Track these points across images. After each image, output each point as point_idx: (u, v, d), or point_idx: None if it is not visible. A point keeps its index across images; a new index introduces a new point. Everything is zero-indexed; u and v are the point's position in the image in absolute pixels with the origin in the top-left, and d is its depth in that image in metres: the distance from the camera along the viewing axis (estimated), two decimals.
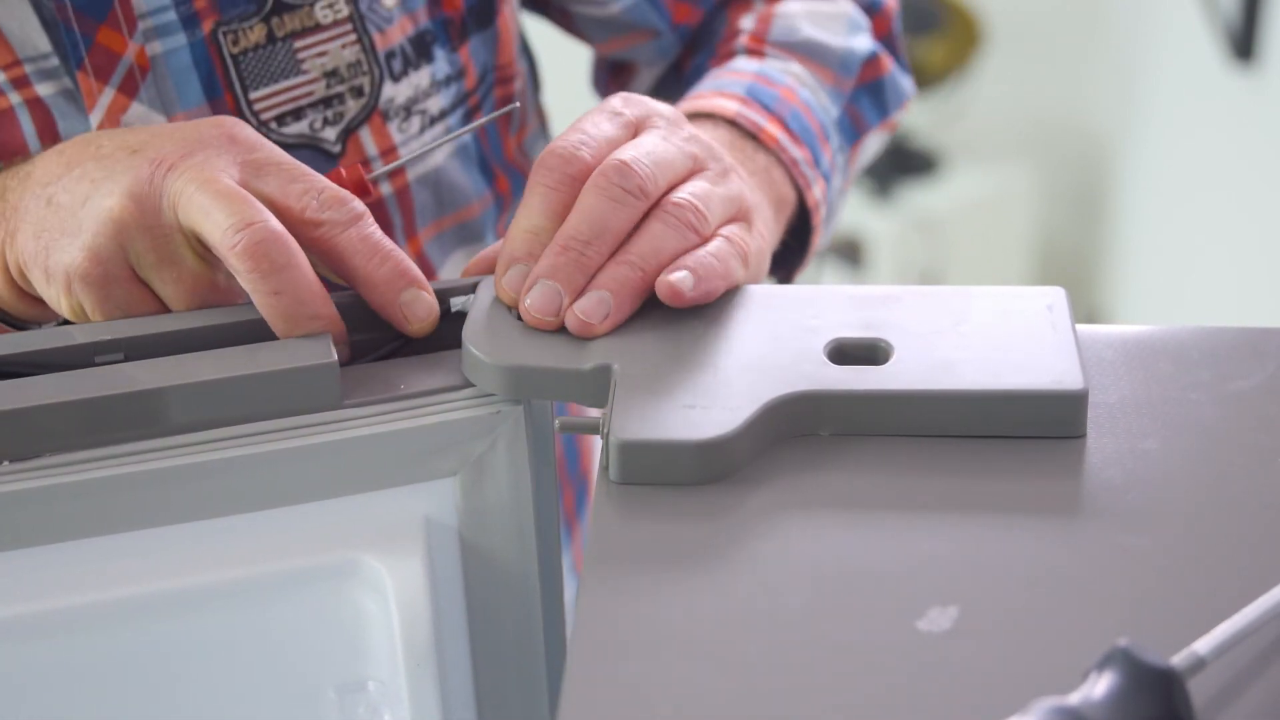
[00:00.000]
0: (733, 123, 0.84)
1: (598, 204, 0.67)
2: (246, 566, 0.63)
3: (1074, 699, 0.49)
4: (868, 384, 0.63)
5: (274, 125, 0.81)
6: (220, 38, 0.79)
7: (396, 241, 0.85)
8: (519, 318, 0.67)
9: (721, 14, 0.97)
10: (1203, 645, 0.51)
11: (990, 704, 0.51)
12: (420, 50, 0.85)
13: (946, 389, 0.63)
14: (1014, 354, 0.65)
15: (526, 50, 0.98)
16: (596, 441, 1.00)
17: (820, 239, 0.89)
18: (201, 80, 0.79)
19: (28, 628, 0.62)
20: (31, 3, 0.75)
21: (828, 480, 0.61)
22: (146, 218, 0.65)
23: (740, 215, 0.72)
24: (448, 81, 0.86)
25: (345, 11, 0.81)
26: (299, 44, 0.81)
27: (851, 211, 2.97)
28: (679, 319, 0.68)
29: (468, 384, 0.65)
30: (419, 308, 0.67)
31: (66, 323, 0.69)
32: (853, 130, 0.93)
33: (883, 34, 0.98)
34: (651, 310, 0.68)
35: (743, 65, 0.90)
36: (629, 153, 0.68)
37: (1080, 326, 0.68)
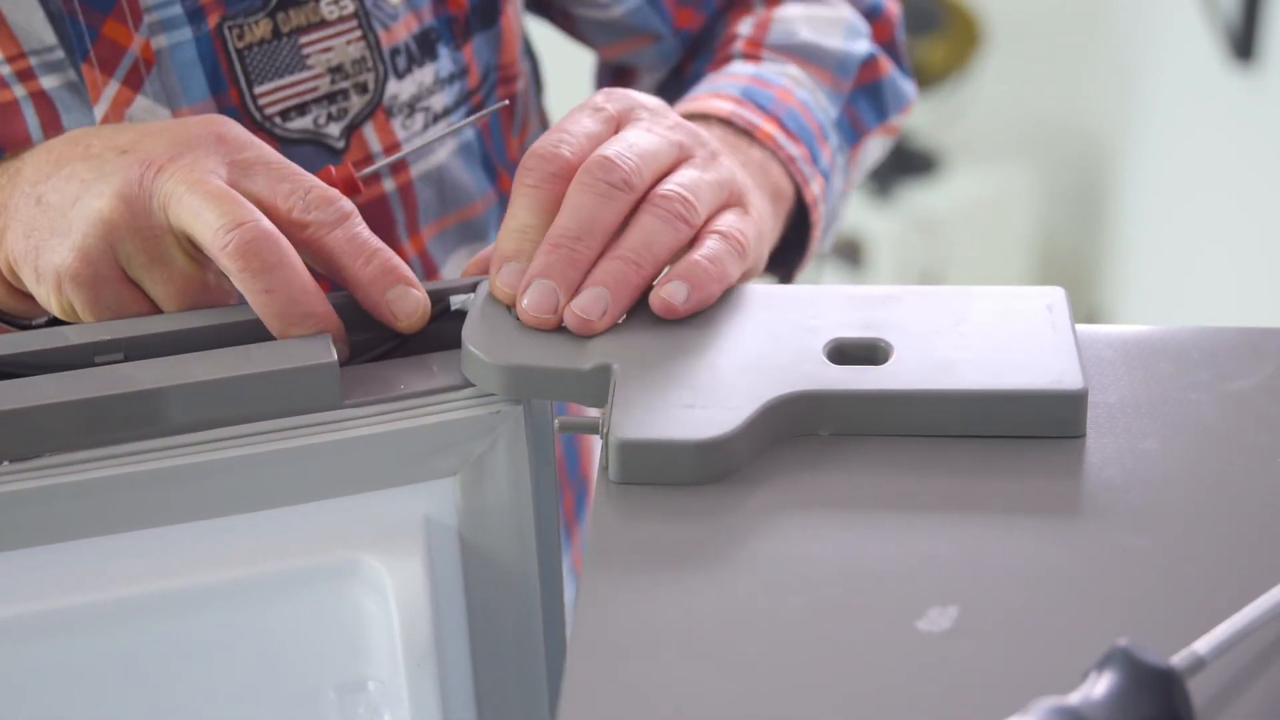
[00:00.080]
0: (727, 122, 0.84)
1: (584, 200, 0.67)
2: (246, 566, 0.63)
3: (1074, 699, 0.49)
4: (867, 384, 0.63)
5: (278, 120, 0.81)
6: (225, 32, 0.79)
7: (399, 239, 0.86)
8: (518, 317, 0.67)
9: (723, 19, 0.97)
10: (1202, 645, 0.51)
11: (990, 704, 0.51)
12: (424, 48, 0.85)
13: (946, 389, 0.63)
14: (1014, 354, 0.65)
15: (530, 52, 0.98)
16: (597, 443, 1.00)
17: (820, 237, 0.89)
18: (206, 74, 0.79)
19: (28, 628, 0.62)
20: None
21: (827, 480, 0.61)
22: (136, 219, 0.65)
23: (732, 199, 0.72)
24: (451, 79, 0.86)
25: (351, 8, 0.81)
26: (304, 39, 0.81)
27: (851, 211, 2.97)
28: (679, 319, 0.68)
29: (468, 384, 0.65)
30: (406, 304, 0.67)
31: (57, 321, 0.69)
32: (851, 131, 0.93)
33: (884, 39, 0.98)
34: (651, 310, 0.68)
35: (738, 69, 0.90)
36: (612, 147, 0.68)
37: (1080, 326, 0.68)
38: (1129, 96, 3.05)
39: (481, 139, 0.90)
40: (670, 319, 0.67)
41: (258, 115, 0.80)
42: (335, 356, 0.63)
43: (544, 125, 1.01)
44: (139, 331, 0.65)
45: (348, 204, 0.67)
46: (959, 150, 3.21)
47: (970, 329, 0.67)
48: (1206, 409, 0.65)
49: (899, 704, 0.52)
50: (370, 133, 0.84)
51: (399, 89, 0.84)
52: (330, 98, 0.82)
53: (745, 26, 0.94)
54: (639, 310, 0.68)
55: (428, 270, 0.88)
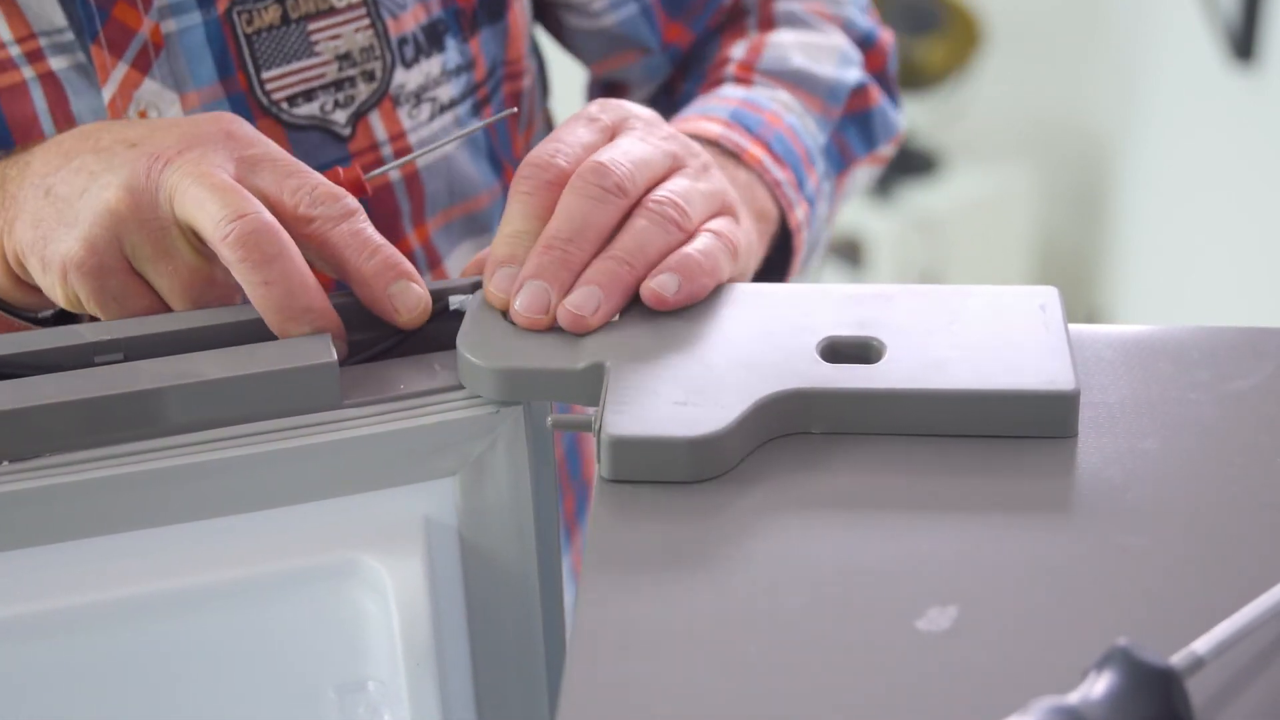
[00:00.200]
0: (715, 144, 0.85)
1: (577, 204, 0.67)
2: (246, 566, 0.63)
3: (1073, 698, 0.49)
4: (860, 382, 0.64)
5: (285, 106, 0.82)
6: (235, 17, 0.79)
7: (404, 228, 0.86)
8: (511, 320, 0.67)
9: (714, 40, 0.97)
10: (1202, 645, 0.51)
11: (990, 703, 0.51)
12: (432, 39, 0.85)
13: (938, 388, 0.63)
14: (1006, 353, 0.65)
15: (537, 53, 0.99)
16: None
17: (801, 262, 0.89)
18: (215, 59, 0.79)
19: (28, 628, 0.62)
20: None
21: (821, 479, 0.62)
22: (143, 211, 0.65)
23: (724, 209, 0.73)
24: (458, 71, 0.87)
25: None
26: (313, 26, 0.81)
27: (851, 211, 2.97)
28: (672, 316, 0.68)
29: None
30: (408, 298, 0.67)
31: (63, 314, 0.69)
32: (839, 159, 0.94)
33: (876, 69, 0.98)
34: (644, 308, 0.68)
35: (729, 92, 0.91)
36: (606, 154, 0.69)
37: (1079, 326, 0.68)
38: (1129, 96, 3.05)
39: (487, 134, 0.91)
40: (661, 311, 0.68)
41: (265, 100, 0.81)
42: (335, 356, 0.63)
43: (549, 127, 1.02)
44: (139, 331, 0.65)
45: (353, 201, 0.68)
46: (959, 150, 3.21)
47: (963, 328, 0.67)
48: (1206, 409, 0.65)
49: (898, 704, 0.52)
50: (376, 121, 0.84)
51: (406, 78, 0.84)
52: (337, 85, 0.83)
53: (738, 50, 0.94)
54: (631, 309, 0.68)
55: (432, 262, 0.88)
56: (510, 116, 0.92)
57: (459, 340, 0.65)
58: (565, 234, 0.67)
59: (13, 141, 0.77)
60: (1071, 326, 0.67)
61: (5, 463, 0.61)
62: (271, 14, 0.80)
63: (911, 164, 3.12)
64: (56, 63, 0.77)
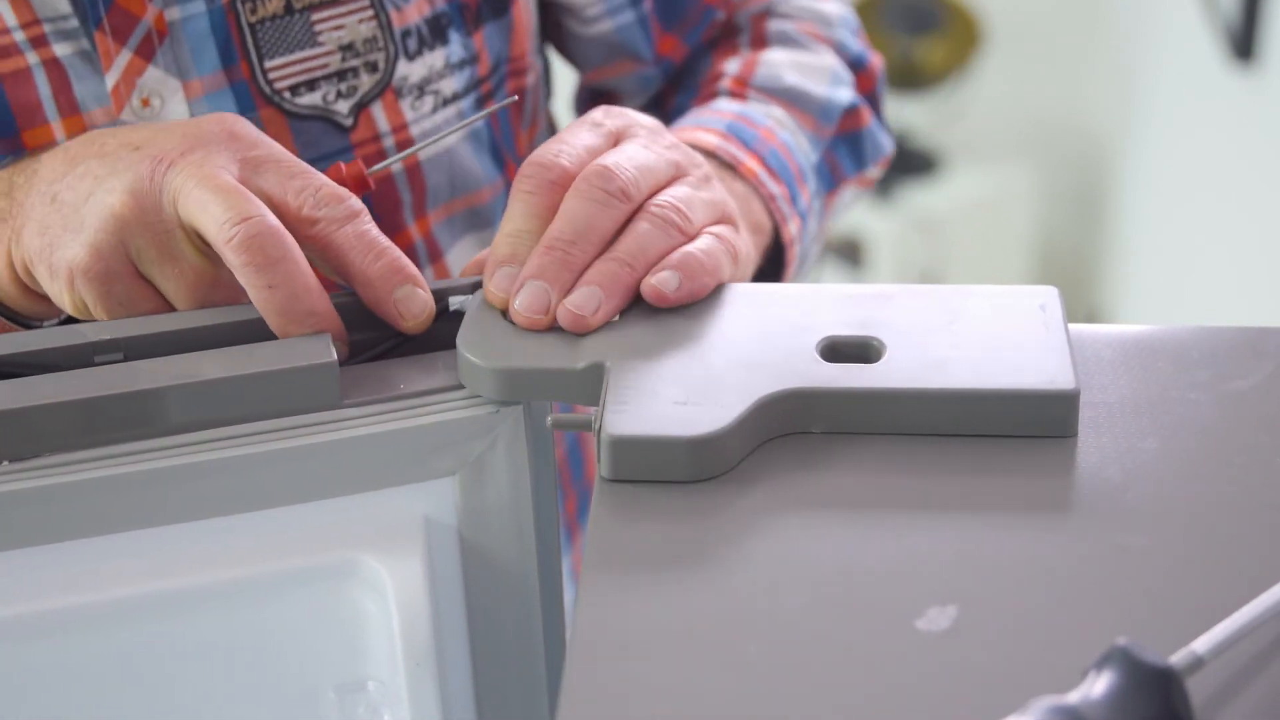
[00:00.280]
0: (712, 155, 0.85)
1: (581, 206, 0.67)
2: (246, 566, 0.63)
3: (1073, 698, 0.49)
4: (859, 382, 0.64)
5: (288, 95, 0.82)
6: (238, 6, 0.80)
7: (405, 220, 0.86)
8: (511, 320, 0.67)
9: (706, 56, 0.97)
10: (1201, 644, 0.51)
11: (989, 703, 0.51)
12: (436, 32, 0.86)
13: (938, 388, 0.63)
14: (1006, 353, 0.65)
15: (542, 54, 0.99)
16: None
17: (791, 277, 0.90)
18: (218, 47, 0.80)
19: (28, 627, 0.62)
20: None
21: (821, 479, 0.62)
22: (147, 214, 0.65)
23: (725, 218, 0.73)
24: (462, 65, 0.87)
25: None
26: (316, 16, 0.82)
27: (852, 211, 2.97)
28: (672, 316, 0.68)
29: None
30: (413, 304, 0.67)
31: (69, 320, 0.69)
32: (830, 178, 0.94)
33: (866, 91, 0.98)
34: (644, 308, 0.68)
35: (725, 106, 0.91)
36: (611, 158, 0.69)
37: (1079, 326, 0.68)
38: (1129, 96, 3.05)
39: (490, 128, 0.91)
40: (661, 309, 0.68)
41: (267, 89, 0.81)
42: (335, 356, 0.63)
43: (552, 129, 1.02)
44: (139, 331, 0.65)
45: (357, 202, 0.68)
46: (959, 150, 3.21)
47: (963, 328, 0.67)
48: (1206, 409, 0.65)
49: (898, 703, 0.52)
50: (379, 112, 0.84)
51: (409, 70, 0.85)
52: (340, 75, 0.83)
53: (732, 65, 0.94)
54: (632, 308, 0.68)
55: (433, 255, 0.89)
56: (514, 113, 0.93)
57: (459, 340, 0.65)
58: (568, 236, 0.67)
59: (16, 127, 0.77)
60: (1071, 326, 0.67)
61: (5, 462, 0.61)
62: (275, 3, 0.81)
63: (911, 164, 3.12)
64: (60, 49, 0.77)
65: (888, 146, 0.99)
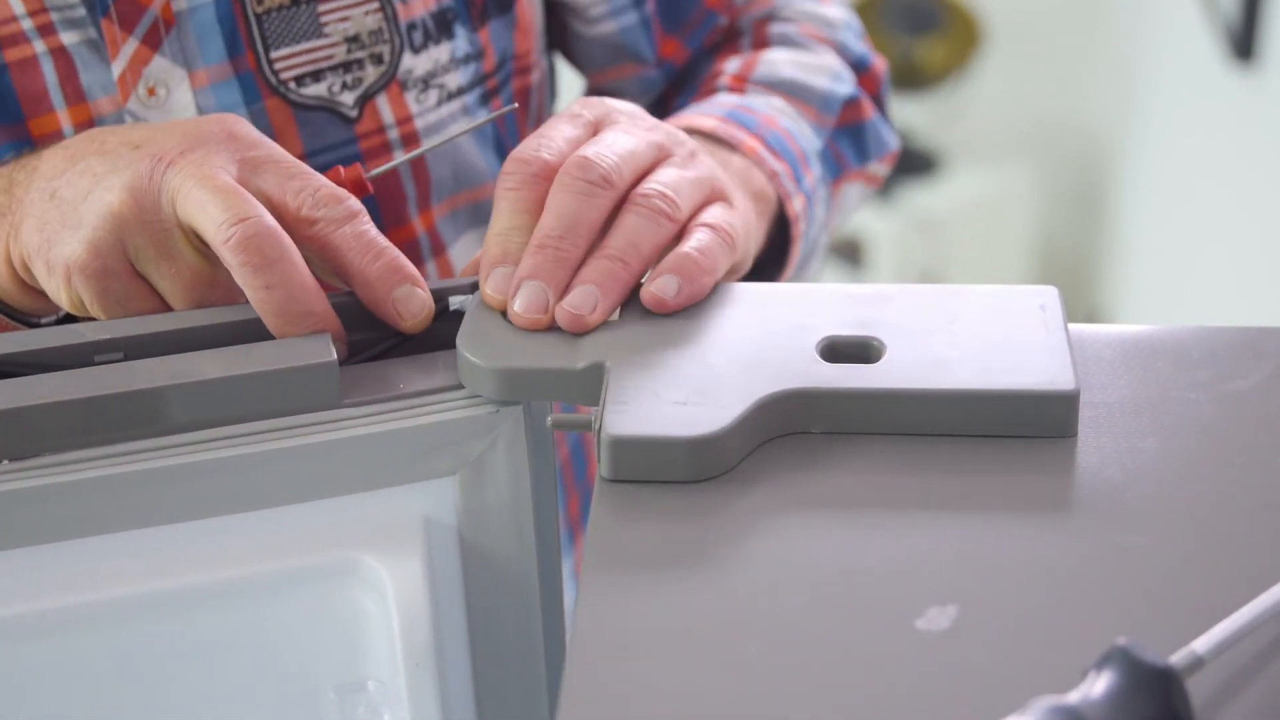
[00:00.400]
0: (711, 135, 0.85)
1: (566, 200, 0.67)
2: (246, 566, 0.63)
3: (1073, 698, 0.49)
4: (859, 382, 0.63)
5: (293, 86, 0.82)
6: None
7: (409, 214, 0.86)
8: (510, 320, 0.67)
9: (708, 59, 0.98)
10: (1201, 644, 0.51)
11: (989, 703, 0.51)
12: (441, 26, 0.86)
13: (938, 388, 0.63)
14: (1006, 353, 0.65)
15: (547, 53, 0.99)
16: None
17: (799, 260, 0.89)
18: (224, 37, 0.80)
19: (28, 627, 0.62)
20: None
21: (821, 479, 0.62)
22: (145, 213, 0.65)
23: (714, 195, 0.73)
24: (467, 60, 0.87)
25: None
26: (322, 7, 0.82)
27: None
28: (672, 316, 0.68)
29: None
30: (412, 303, 0.67)
31: (68, 317, 0.69)
32: (835, 165, 0.94)
33: (870, 93, 0.98)
34: (643, 307, 0.68)
35: (724, 98, 0.91)
36: (591, 148, 0.69)
37: (1079, 326, 0.68)
38: (1129, 96, 3.05)
39: (495, 124, 0.91)
40: (662, 314, 0.68)
41: (273, 79, 0.81)
42: (334, 356, 0.63)
43: None
44: (139, 331, 0.65)
45: (356, 203, 0.68)
46: (959, 150, 3.21)
47: (963, 328, 0.67)
48: (1206, 409, 0.65)
49: (898, 703, 0.52)
50: (384, 104, 0.85)
51: (414, 63, 0.85)
52: (345, 66, 0.83)
53: (732, 64, 0.95)
54: (631, 308, 0.68)
55: (436, 249, 0.89)
56: (519, 111, 0.93)
57: (459, 340, 0.65)
58: (557, 232, 0.67)
59: (22, 115, 0.77)
60: (1071, 326, 0.67)
61: (5, 461, 0.61)
62: None
63: (911, 164, 3.12)
64: (68, 37, 0.78)
65: (892, 142, 0.98)
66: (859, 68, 0.98)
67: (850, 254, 3.12)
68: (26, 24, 0.77)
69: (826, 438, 0.63)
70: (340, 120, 0.84)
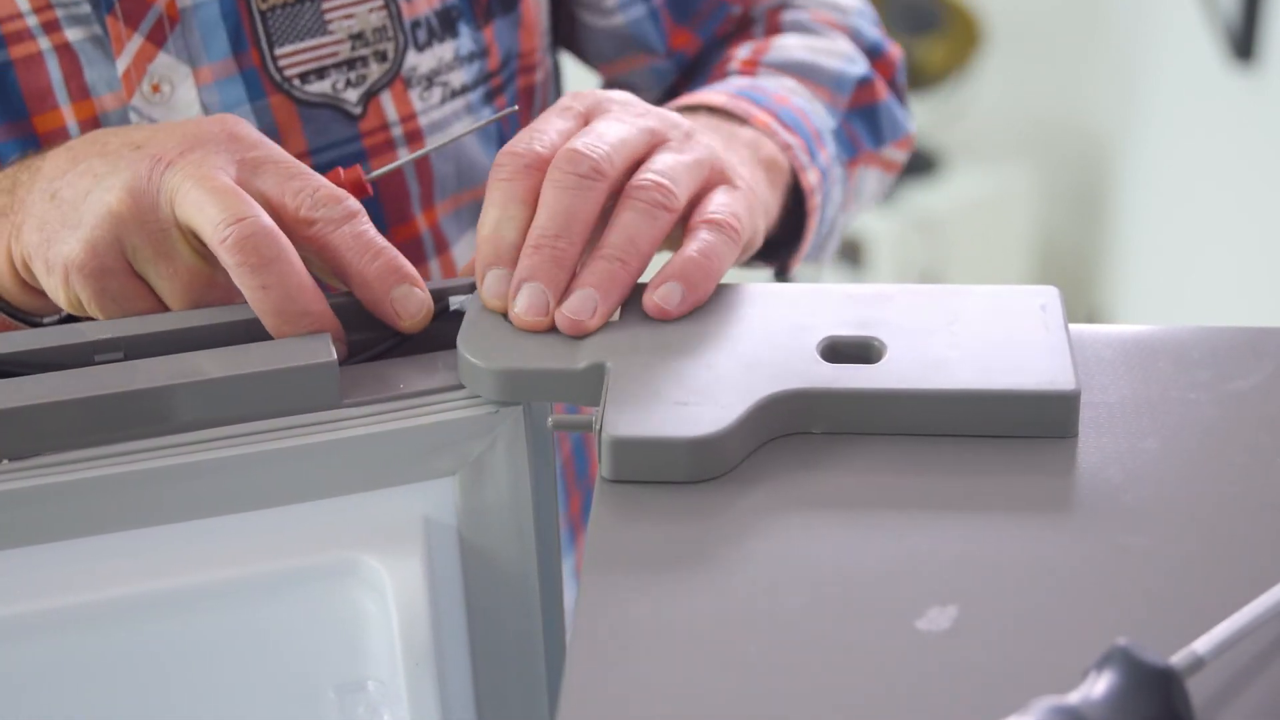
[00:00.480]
0: (720, 110, 0.84)
1: (558, 196, 0.67)
2: (245, 566, 0.63)
3: (1073, 698, 0.49)
4: (860, 382, 0.63)
5: (297, 83, 0.82)
6: None
7: (413, 211, 0.87)
8: (511, 321, 0.67)
9: (720, 49, 0.97)
10: (1202, 645, 0.51)
11: (990, 703, 0.51)
12: (445, 24, 0.86)
13: (939, 388, 0.63)
14: (1007, 353, 0.65)
15: (553, 52, 0.99)
16: None
17: (814, 240, 0.89)
18: (229, 33, 0.80)
19: (28, 627, 0.62)
20: None
21: (822, 479, 0.61)
22: (143, 213, 0.65)
23: (713, 177, 0.72)
24: (471, 58, 0.87)
25: None
26: (326, 5, 0.83)
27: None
28: None
29: None
30: (410, 303, 0.67)
31: (70, 317, 0.69)
32: (850, 146, 0.93)
33: (885, 78, 0.98)
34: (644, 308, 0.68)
35: (736, 80, 0.91)
36: (580, 140, 0.68)
37: (1079, 326, 0.68)
38: (1129, 96, 3.05)
39: (499, 122, 0.91)
40: (666, 320, 0.67)
41: (277, 76, 0.82)
42: (334, 356, 0.63)
43: None
44: (139, 330, 0.65)
45: (354, 203, 0.68)
46: (959, 150, 3.21)
47: (964, 328, 0.67)
48: (1206, 409, 0.65)
49: (899, 704, 0.52)
50: (388, 102, 0.85)
51: (418, 61, 0.85)
52: (350, 64, 0.83)
53: (743, 50, 0.94)
54: (632, 308, 0.68)
55: (439, 247, 0.89)
56: (523, 110, 0.93)
57: (459, 341, 0.65)
58: (552, 230, 0.66)
59: (26, 112, 0.77)
60: (1072, 326, 0.67)
61: (5, 461, 0.61)
62: None
63: (911, 164, 3.10)
64: (72, 34, 0.78)
65: (908, 127, 0.98)
66: (873, 54, 0.98)
67: (850, 254, 3.12)
68: (31, 20, 0.77)
69: (827, 438, 0.63)
70: (344, 117, 0.84)
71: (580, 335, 0.66)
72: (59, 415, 0.61)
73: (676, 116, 0.74)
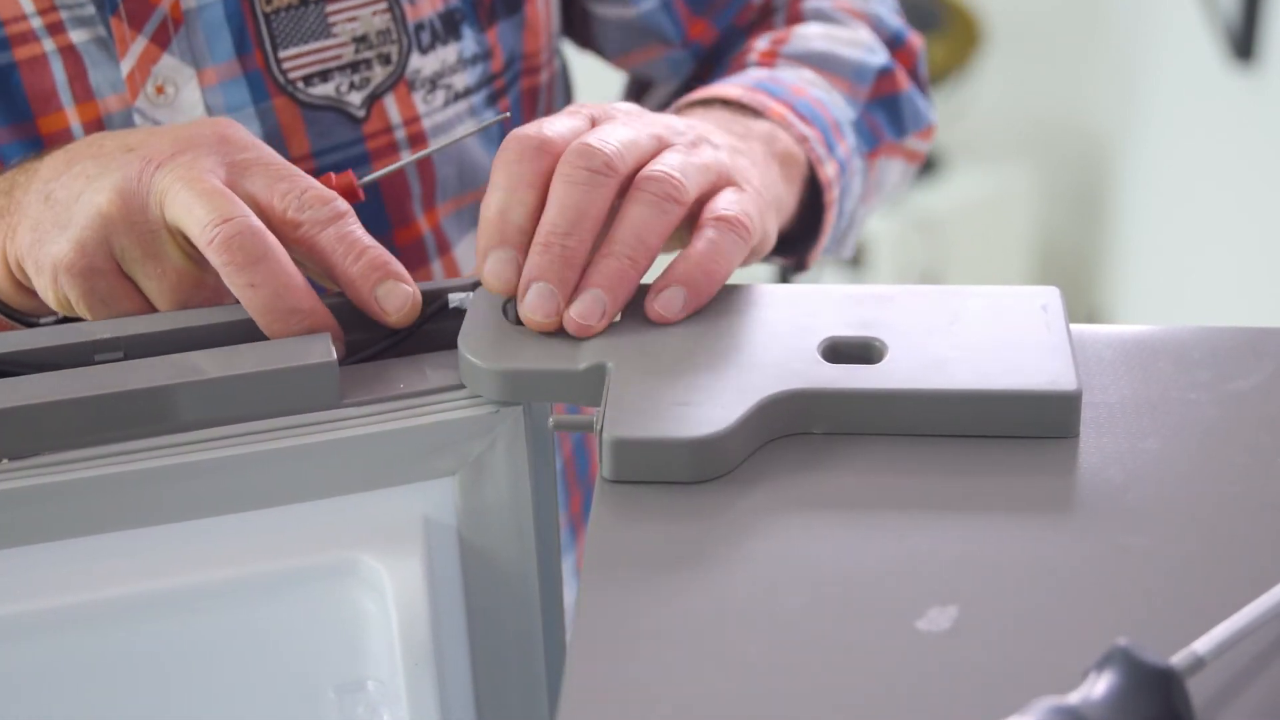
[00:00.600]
0: (736, 103, 0.83)
1: (568, 191, 0.66)
2: (245, 566, 0.63)
3: (1074, 698, 0.49)
4: (861, 383, 0.63)
5: (301, 85, 0.83)
6: None
7: (414, 213, 0.87)
8: (514, 320, 0.67)
9: (740, 39, 0.97)
10: (1202, 645, 0.51)
11: (990, 703, 0.51)
12: (449, 26, 0.86)
13: (939, 388, 0.63)
14: (1008, 354, 0.65)
15: (560, 52, 0.99)
16: None
17: (833, 232, 0.88)
18: (233, 35, 0.81)
19: (28, 626, 0.62)
20: None
21: (823, 479, 0.61)
22: (133, 214, 0.66)
23: (721, 181, 0.71)
24: (475, 61, 0.88)
25: None
26: (331, 7, 0.83)
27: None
28: None
29: None
30: (394, 298, 0.67)
31: (66, 318, 0.69)
32: (871, 137, 0.92)
33: (906, 67, 0.97)
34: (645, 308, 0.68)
35: (753, 72, 0.90)
36: (592, 135, 0.68)
37: (1080, 326, 0.68)
38: (1129, 96, 3.05)
39: (501, 123, 0.90)
40: (667, 324, 0.67)
41: (281, 79, 0.82)
42: (334, 356, 0.63)
43: None
44: (140, 330, 0.65)
45: (342, 204, 0.67)
46: (959, 150, 3.21)
47: (965, 328, 0.67)
48: (1206, 409, 0.65)
49: (899, 704, 0.52)
50: (391, 104, 0.85)
51: (422, 64, 0.85)
52: (353, 66, 0.84)
53: (762, 41, 0.94)
54: (633, 307, 0.68)
55: (441, 248, 0.89)
56: (527, 110, 0.93)
57: (460, 341, 0.65)
58: (562, 227, 0.66)
59: (31, 113, 0.78)
60: (1072, 326, 0.67)
61: (5, 460, 0.61)
62: None
63: None
64: (77, 36, 0.78)
65: (930, 117, 0.97)
66: (894, 42, 0.98)
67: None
68: (36, 22, 0.77)
69: (828, 438, 0.63)
70: (348, 120, 0.84)
71: (587, 337, 0.66)
72: (58, 415, 0.61)
73: (683, 124, 0.73)
